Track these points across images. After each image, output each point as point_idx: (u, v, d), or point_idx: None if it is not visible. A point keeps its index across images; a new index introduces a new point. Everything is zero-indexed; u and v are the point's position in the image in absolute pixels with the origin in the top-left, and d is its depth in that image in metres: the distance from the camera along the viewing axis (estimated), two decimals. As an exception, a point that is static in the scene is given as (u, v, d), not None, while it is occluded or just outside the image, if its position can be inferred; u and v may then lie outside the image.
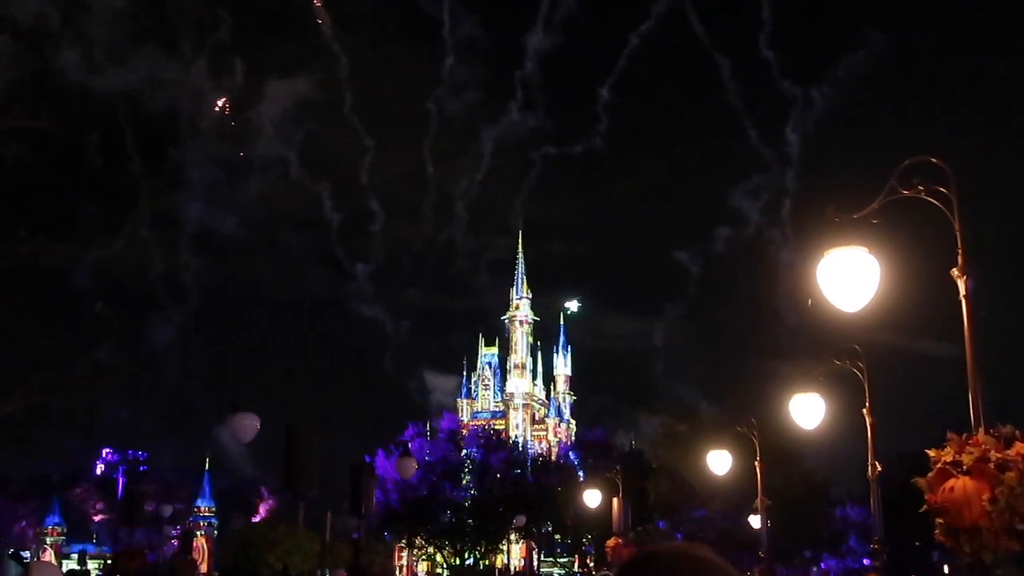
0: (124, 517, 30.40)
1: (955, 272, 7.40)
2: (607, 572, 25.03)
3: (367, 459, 76.70)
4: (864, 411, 13.69)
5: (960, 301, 7.35)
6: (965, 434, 6.92)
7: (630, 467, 48.20)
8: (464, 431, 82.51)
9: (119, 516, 75.61)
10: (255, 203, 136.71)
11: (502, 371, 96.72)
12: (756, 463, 20.39)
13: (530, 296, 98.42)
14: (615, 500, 33.21)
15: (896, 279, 7.88)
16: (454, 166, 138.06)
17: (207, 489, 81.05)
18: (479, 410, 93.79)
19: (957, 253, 7.43)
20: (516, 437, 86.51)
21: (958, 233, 7.44)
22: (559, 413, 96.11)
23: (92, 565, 69.32)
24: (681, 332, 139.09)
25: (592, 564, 56.81)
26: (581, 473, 72.06)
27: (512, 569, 72.43)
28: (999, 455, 6.60)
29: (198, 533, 77.59)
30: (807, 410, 14.60)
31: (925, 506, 6.88)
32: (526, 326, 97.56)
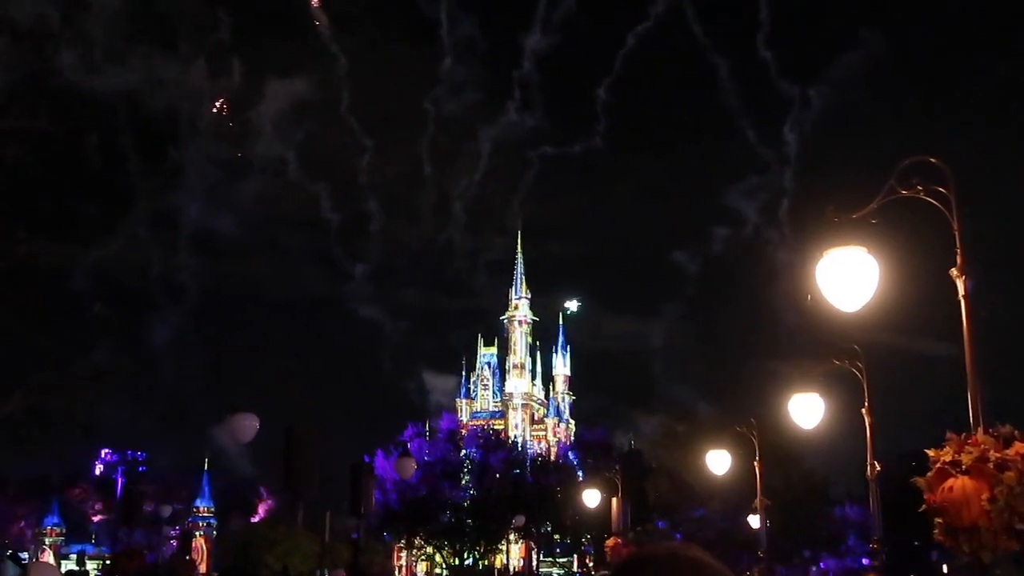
0: (123, 517, 30.41)
1: (954, 272, 7.41)
2: (606, 572, 25.04)
3: (366, 459, 76.82)
4: (863, 411, 13.70)
5: (959, 301, 7.36)
6: (964, 434, 6.93)
7: (629, 467, 48.18)
8: (463, 431, 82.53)
9: (118, 516, 75.59)
10: (253, 203, 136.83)
11: (501, 371, 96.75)
12: (755, 463, 20.40)
13: (529, 296, 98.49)
14: (614, 500, 33.21)
15: (895, 279, 7.89)
16: (452, 166, 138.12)
17: (206, 489, 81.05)
18: (478, 410, 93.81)
19: (956, 253, 7.44)
20: (515, 437, 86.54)
21: (957, 233, 7.45)
22: (558, 413, 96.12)
23: (91, 566, 69.30)
24: (680, 332, 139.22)
25: (591, 564, 56.86)
26: (580, 473, 72.09)
27: (511, 569, 72.44)
28: (998, 455, 6.60)
29: (197, 533, 77.60)
30: (806, 410, 14.61)
31: (924, 506, 6.89)
32: (525, 326, 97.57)
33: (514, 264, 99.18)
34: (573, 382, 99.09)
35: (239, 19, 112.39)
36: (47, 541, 76.09)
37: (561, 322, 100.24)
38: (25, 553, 66.23)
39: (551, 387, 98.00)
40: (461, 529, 72.75)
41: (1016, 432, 6.74)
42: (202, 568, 70.03)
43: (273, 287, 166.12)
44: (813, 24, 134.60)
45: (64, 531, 77.65)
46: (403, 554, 77.49)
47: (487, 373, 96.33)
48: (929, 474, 6.91)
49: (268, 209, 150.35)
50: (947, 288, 7.45)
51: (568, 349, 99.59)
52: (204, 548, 73.59)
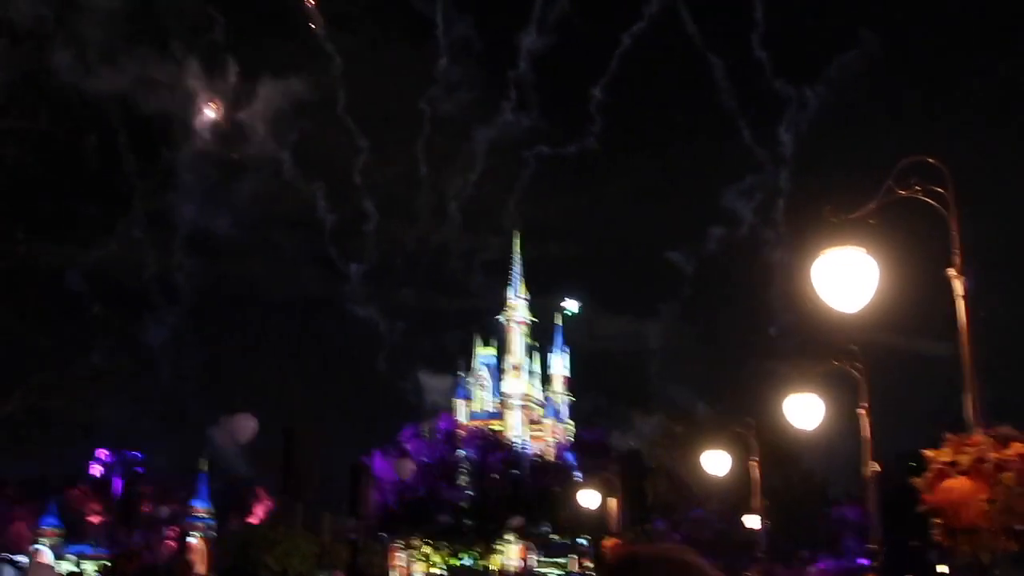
0: (122, 518, 30.44)
1: (952, 272, 7.42)
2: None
3: (364, 460, 76.88)
4: (862, 411, 13.71)
5: (957, 300, 7.37)
6: (962, 434, 6.94)
7: (628, 467, 48.24)
8: (461, 432, 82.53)
9: (117, 518, 75.73)
10: (249, 203, 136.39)
11: (499, 372, 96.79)
12: (753, 463, 20.41)
13: (528, 298, 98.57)
14: (613, 500, 33.23)
15: (893, 279, 7.90)
16: (448, 166, 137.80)
17: (203, 490, 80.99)
18: (476, 411, 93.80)
19: (954, 253, 7.45)
20: (513, 438, 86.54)
21: (955, 233, 7.46)
22: (556, 414, 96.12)
23: (89, 567, 69.27)
24: (678, 332, 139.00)
25: (590, 565, 56.88)
26: (578, 474, 72.09)
27: (509, 570, 72.48)
28: (997, 455, 6.61)
29: (196, 534, 77.59)
30: (805, 410, 14.62)
31: (923, 506, 6.89)
32: (523, 327, 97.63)
33: (510, 264, 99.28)
34: (571, 382, 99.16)
35: (235, 19, 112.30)
36: (45, 542, 76.00)
37: (559, 322, 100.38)
38: (25, 558, 66.12)
39: (549, 388, 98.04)
40: (459, 530, 72.76)
41: (1014, 432, 6.75)
42: (201, 569, 70.04)
43: (268, 287, 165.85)
44: (809, 24, 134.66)
45: (62, 532, 77.57)
46: (401, 555, 77.48)
47: (485, 374, 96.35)
48: (927, 474, 6.92)
49: (264, 209, 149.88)
50: (945, 288, 7.46)
51: (566, 350, 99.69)
52: (203, 549, 73.58)
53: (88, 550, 74.18)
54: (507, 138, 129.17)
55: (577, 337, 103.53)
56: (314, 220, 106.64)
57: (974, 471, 6.65)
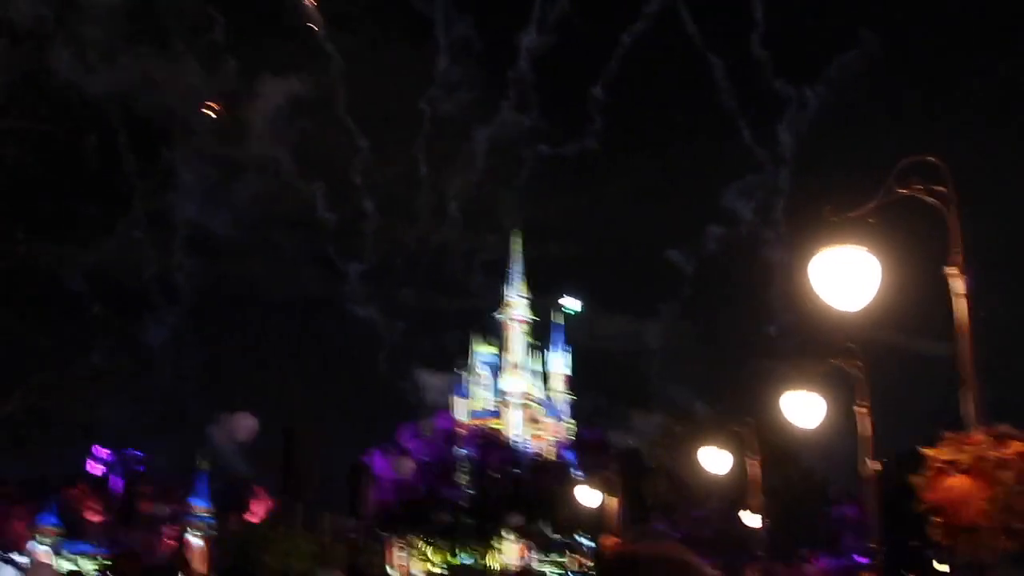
0: (122, 518, 30.45)
1: (952, 270, 7.43)
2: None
3: (364, 460, 76.97)
4: (862, 410, 13.71)
5: (957, 299, 7.38)
6: (962, 433, 6.95)
7: (627, 466, 48.24)
8: (461, 431, 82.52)
9: (117, 517, 75.71)
10: (249, 203, 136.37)
11: (499, 370, 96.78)
12: (752, 462, 20.43)
13: (528, 296, 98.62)
14: (612, 500, 33.25)
15: (893, 278, 7.91)
16: (448, 166, 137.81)
17: (203, 489, 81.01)
18: (476, 409, 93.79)
19: (954, 252, 7.46)
20: (513, 437, 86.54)
21: (955, 232, 7.47)
22: (556, 413, 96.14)
23: (88, 566, 69.24)
24: (678, 332, 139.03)
25: (590, 563, 56.89)
26: (578, 473, 72.10)
27: (509, 569, 72.46)
28: (996, 454, 6.62)
29: (196, 533, 77.60)
30: (805, 409, 14.63)
31: (922, 505, 6.90)
32: (523, 326, 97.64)
33: (510, 264, 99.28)
34: (571, 381, 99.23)
35: (235, 18, 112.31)
36: (45, 541, 75.99)
37: (561, 321, 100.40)
38: (25, 558, 66.09)
39: (549, 386, 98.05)
40: (459, 528, 72.77)
41: (1013, 431, 6.76)
42: (201, 568, 70.07)
43: (268, 287, 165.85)
44: (809, 24, 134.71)
45: (62, 531, 77.57)
46: (401, 553, 77.51)
47: (485, 372, 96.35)
48: (927, 473, 6.92)
49: (264, 209, 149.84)
50: (945, 287, 7.47)
51: (567, 349, 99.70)
52: (203, 548, 73.60)
53: (88, 549, 74.16)
54: (507, 138, 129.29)
55: (578, 336, 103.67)
56: (315, 220, 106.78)
57: (974, 470, 6.65)
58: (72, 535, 77.24)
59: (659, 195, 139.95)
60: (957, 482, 6.68)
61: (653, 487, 56.55)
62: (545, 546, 77.32)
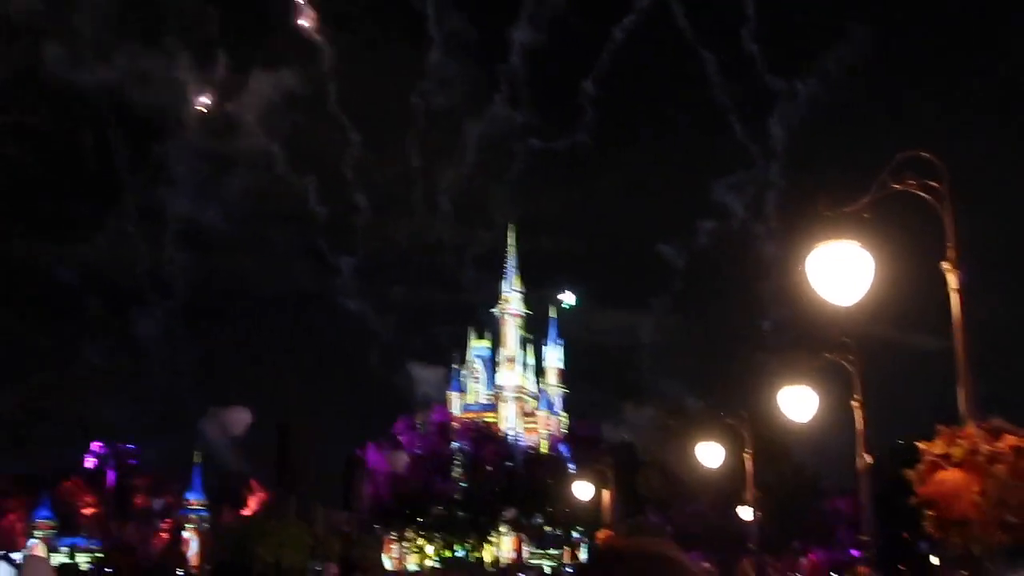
0: (115, 511, 30.42)
1: (945, 266, 7.45)
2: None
3: (358, 453, 76.97)
4: (855, 404, 13.75)
5: (950, 294, 7.40)
6: (955, 427, 6.97)
7: (621, 460, 48.30)
8: (455, 424, 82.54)
9: (110, 510, 75.62)
10: (241, 198, 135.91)
11: (493, 364, 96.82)
12: (746, 455, 20.48)
13: (522, 290, 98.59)
14: (606, 493, 33.28)
15: (887, 273, 7.93)
16: (441, 161, 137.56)
17: (197, 482, 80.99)
18: (470, 403, 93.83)
19: (948, 247, 7.48)
20: (507, 430, 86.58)
21: (949, 227, 7.49)
22: (550, 406, 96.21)
23: (82, 559, 69.18)
24: (671, 326, 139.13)
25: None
26: (572, 466, 72.20)
27: (502, 562, 72.64)
28: (989, 448, 6.65)
29: (189, 526, 77.59)
30: (799, 403, 14.66)
31: (915, 498, 6.93)
32: (517, 319, 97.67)
33: (504, 258, 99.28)
34: (565, 375, 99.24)
35: (228, 13, 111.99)
36: (38, 535, 75.89)
37: (554, 315, 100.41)
38: (19, 554, 65.96)
39: (543, 380, 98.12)
40: (453, 522, 72.80)
41: (1006, 425, 6.79)
42: (195, 560, 70.06)
43: (260, 282, 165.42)
44: (801, 20, 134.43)
45: (55, 525, 77.49)
46: (394, 546, 77.56)
47: (479, 366, 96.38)
48: (920, 467, 6.95)
49: (256, 204, 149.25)
50: (939, 282, 7.50)
51: (560, 342, 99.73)
52: (197, 541, 73.59)
53: (81, 542, 74.12)
54: (499, 132, 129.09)
55: (572, 330, 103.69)
56: (307, 215, 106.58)
57: (966, 463, 6.68)
58: (66, 528, 77.19)
59: (651, 189, 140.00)
60: (949, 475, 6.71)
61: (646, 481, 56.68)
62: (539, 539, 77.45)
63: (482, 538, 74.22)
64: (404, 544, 76.90)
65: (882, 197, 7.67)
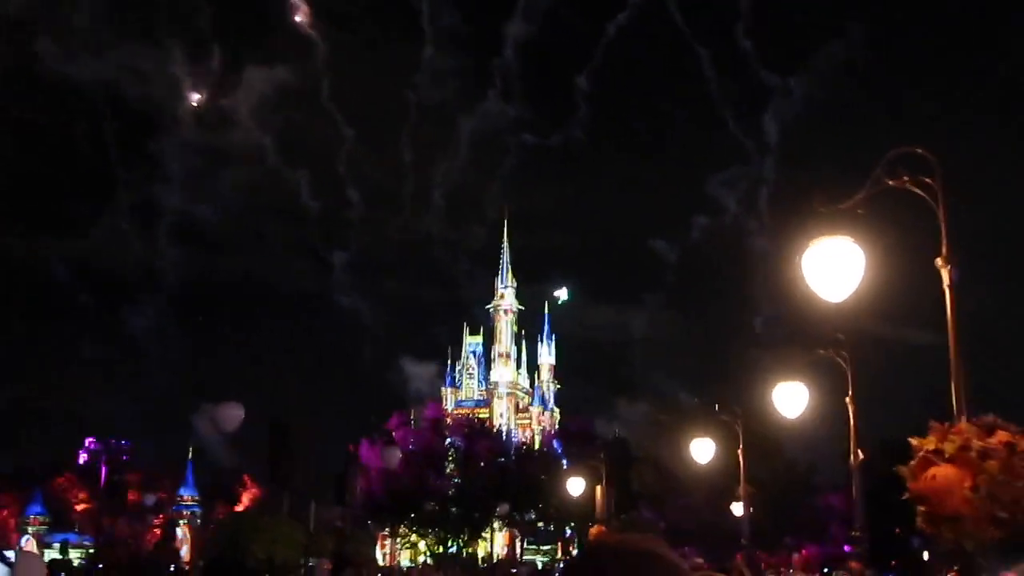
0: (108, 506, 30.36)
1: (939, 262, 7.46)
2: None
3: (351, 449, 76.89)
4: (847, 399, 13.78)
5: (944, 291, 7.41)
6: (948, 423, 6.98)
7: (614, 456, 48.39)
8: (448, 420, 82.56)
9: (103, 505, 75.51)
10: (236, 192, 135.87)
11: (486, 360, 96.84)
12: (739, 451, 20.52)
13: (515, 286, 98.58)
14: (598, 488, 33.36)
15: (881, 268, 7.94)
16: (435, 156, 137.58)
17: (190, 478, 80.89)
18: (463, 399, 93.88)
19: (941, 243, 7.49)
20: (500, 426, 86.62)
21: (943, 223, 7.50)
22: (543, 402, 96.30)
23: (74, 555, 69.05)
24: (665, 321, 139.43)
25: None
26: (565, 461, 72.22)
27: (495, 557, 72.65)
28: (981, 443, 6.65)
29: (181, 522, 77.53)
30: (790, 399, 14.70)
31: (907, 494, 6.93)
32: (511, 315, 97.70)
33: (499, 253, 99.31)
34: (558, 371, 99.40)
35: (223, 9, 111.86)
36: (30, 530, 75.75)
37: (547, 311, 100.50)
38: (11, 552, 65.79)
39: (536, 376, 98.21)
40: (445, 517, 72.79)
41: (999, 421, 6.80)
42: (187, 556, 69.97)
43: (254, 276, 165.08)
44: (795, 15, 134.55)
45: (47, 520, 77.35)
46: (387, 542, 77.55)
47: (472, 362, 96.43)
48: (912, 462, 6.96)
49: (251, 199, 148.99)
50: (932, 278, 7.51)
51: (553, 338, 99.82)
52: (189, 537, 73.52)
53: (73, 538, 73.97)
54: (493, 127, 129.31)
55: (565, 326, 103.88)
56: (301, 210, 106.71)
57: (959, 459, 6.69)
58: (58, 524, 77.06)
59: (644, 185, 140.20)
60: (941, 471, 6.72)
61: (640, 476, 56.77)
62: (532, 535, 77.53)
63: (475, 534, 74.26)
64: (397, 540, 76.92)
65: (876, 193, 7.68)
